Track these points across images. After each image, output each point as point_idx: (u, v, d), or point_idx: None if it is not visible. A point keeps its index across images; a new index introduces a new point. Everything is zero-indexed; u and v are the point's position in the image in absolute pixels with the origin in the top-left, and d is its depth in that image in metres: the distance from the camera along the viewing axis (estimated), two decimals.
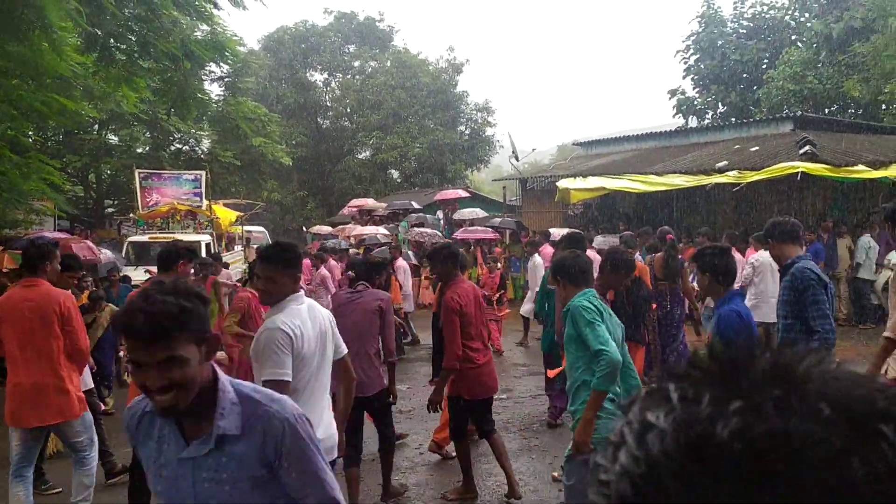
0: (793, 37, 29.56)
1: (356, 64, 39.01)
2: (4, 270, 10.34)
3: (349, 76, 38.69)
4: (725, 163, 15.34)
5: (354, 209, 25.37)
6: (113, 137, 24.79)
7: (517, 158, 25.93)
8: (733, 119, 25.80)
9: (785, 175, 13.18)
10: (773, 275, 7.76)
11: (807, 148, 13.75)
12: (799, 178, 12.96)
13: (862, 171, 12.83)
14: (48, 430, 5.23)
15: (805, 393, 0.53)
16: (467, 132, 38.32)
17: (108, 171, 25.37)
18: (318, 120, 39.03)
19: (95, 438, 5.29)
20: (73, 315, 4.99)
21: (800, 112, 20.47)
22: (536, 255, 11.98)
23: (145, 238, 16.34)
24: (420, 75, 36.48)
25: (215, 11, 11.16)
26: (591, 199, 18.18)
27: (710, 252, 4.42)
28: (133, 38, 10.26)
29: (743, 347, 0.58)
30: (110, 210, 27.51)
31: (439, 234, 20.14)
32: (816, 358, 0.57)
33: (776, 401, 0.52)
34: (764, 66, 29.26)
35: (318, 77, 39.46)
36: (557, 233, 15.69)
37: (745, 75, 30.06)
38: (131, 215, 17.56)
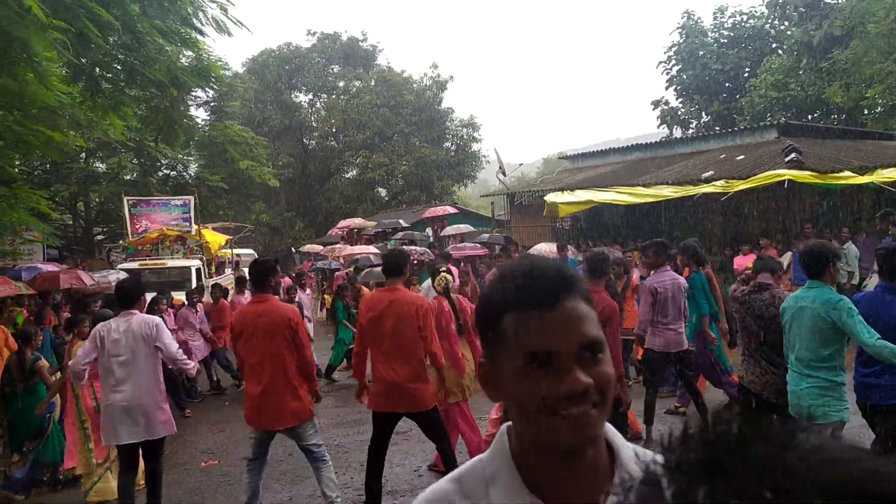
0: (773, 45, 29.91)
1: (341, 84, 39.14)
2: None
3: (334, 96, 38.80)
4: (712, 172, 15.45)
5: (343, 229, 25.34)
6: (100, 165, 24.71)
7: (504, 174, 25.99)
8: (718, 128, 26.01)
9: (772, 183, 13.28)
10: None
11: (793, 155, 13.87)
12: (786, 185, 13.06)
13: (848, 177, 12.94)
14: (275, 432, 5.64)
15: (798, 485, 0.54)
16: (453, 148, 38.46)
17: (97, 199, 25.26)
18: (305, 140, 39.08)
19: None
20: (301, 328, 5.48)
21: (783, 119, 20.65)
22: None
23: (135, 265, 16.24)
24: (404, 93, 36.63)
25: (200, 38, 11.15)
26: (580, 212, 18.26)
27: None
28: (119, 67, 10.23)
29: (736, 435, 0.60)
30: (100, 238, 27.37)
31: (428, 251, 20.14)
32: (810, 441, 0.58)
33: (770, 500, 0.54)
34: (746, 75, 29.57)
35: (303, 98, 39.60)
36: (546, 248, 15.72)
37: (727, 84, 30.36)
38: (121, 242, 17.46)
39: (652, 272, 7.29)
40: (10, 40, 7.43)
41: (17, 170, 15.45)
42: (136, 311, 5.64)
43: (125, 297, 5.67)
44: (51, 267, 13.53)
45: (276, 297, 5.86)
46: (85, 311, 9.22)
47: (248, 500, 5.56)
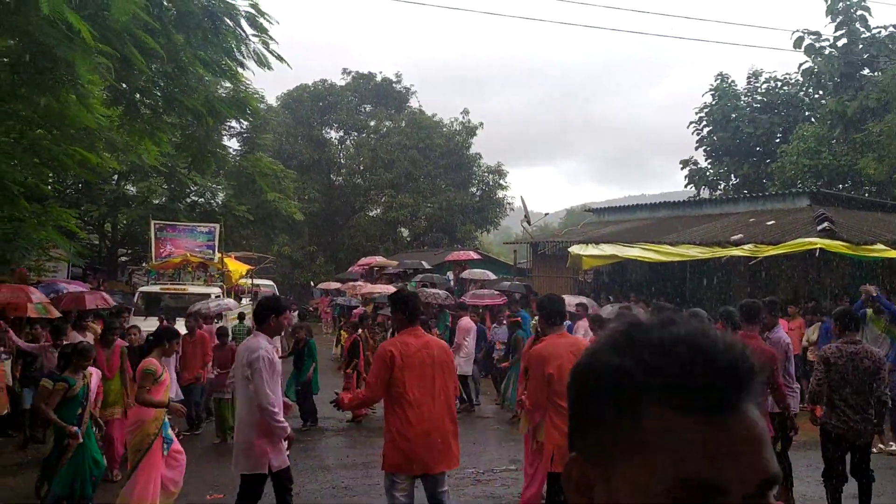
0: (806, 113, 29.86)
1: (371, 123, 39.59)
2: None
3: (364, 135, 39.23)
4: (741, 235, 15.27)
5: (363, 266, 25.36)
6: (131, 188, 25.02)
7: (529, 222, 25.97)
8: (746, 192, 25.87)
9: (802, 251, 13.08)
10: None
11: (825, 224, 13.68)
12: (818, 254, 12.86)
13: (881, 250, 12.72)
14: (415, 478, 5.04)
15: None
16: (478, 194, 38.60)
17: (124, 221, 25.52)
18: (332, 176, 39.43)
19: None
20: (453, 364, 5.30)
21: (815, 187, 20.49)
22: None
23: (157, 289, 16.28)
24: (434, 136, 36.96)
25: (240, 70, 11.30)
26: (603, 266, 18.10)
27: None
28: (159, 94, 10.37)
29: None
30: (123, 259, 27.58)
31: (450, 295, 20.04)
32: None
33: None
34: (777, 140, 29.49)
35: (333, 135, 40.07)
36: (569, 301, 15.54)
37: (757, 148, 30.28)
38: (143, 265, 17.55)
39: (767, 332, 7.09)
40: (55, 61, 7.55)
41: (49, 188, 15.67)
42: (260, 334, 5.49)
43: (255, 314, 5.65)
44: (73, 287, 13.59)
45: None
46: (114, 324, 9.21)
47: None
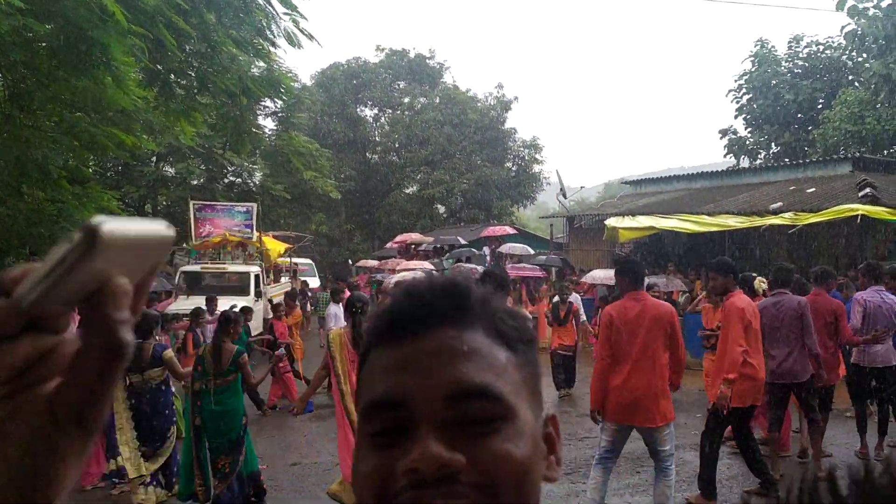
0: (850, 77, 29.01)
1: (406, 100, 39.55)
2: None
3: (398, 112, 39.23)
4: (780, 204, 15.00)
5: (399, 244, 25.50)
6: (170, 169, 25.45)
7: (565, 196, 25.79)
8: (787, 160, 25.31)
9: (844, 218, 12.81)
10: None
11: (867, 190, 13.37)
12: (859, 221, 12.58)
13: None
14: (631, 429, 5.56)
15: None
16: (514, 169, 38.40)
17: (164, 202, 26.00)
18: (367, 154, 39.55)
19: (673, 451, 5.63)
20: (678, 328, 5.51)
21: (858, 153, 19.96)
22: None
23: (197, 268, 16.60)
24: (469, 112, 36.79)
25: (272, 49, 11.39)
26: (640, 238, 17.93)
27: None
28: (192, 74, 10.51)
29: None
30: None
31: (484, 268, 20.06)
32: None
33: None
34: (819, 107, 28.74)
35: (368, 112, 40.12)
36: (602, 274, 15.43)
37: (799, 115, 29.54)
38: (184, 245, 17.88)
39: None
40: (91, 44, 7.69)
41: (90, 170, 16.03)
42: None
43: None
44: None
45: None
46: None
47: (596, 499, 5.50)
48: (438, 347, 0.68)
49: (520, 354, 0.72)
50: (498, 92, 38.72)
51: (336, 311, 10.91)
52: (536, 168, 38.46)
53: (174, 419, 6.61)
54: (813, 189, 16.09)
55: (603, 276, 15.19)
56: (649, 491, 6.31)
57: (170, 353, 6.46)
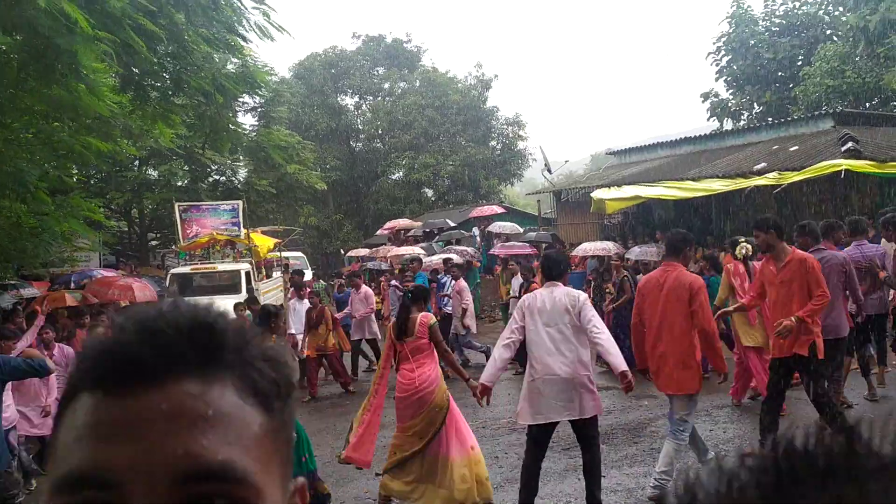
0: (828, 31, 28.98)
1: (386, 86, 39.35)
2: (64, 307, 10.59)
3: (379, 98, 39.03)
4: (764, 164, 15.03)
5: (389, 230, 25.49)
6: (153, 172, 25.33)
7: (550, 171, 25.80)
8: (770, 119, 25.34)
9: (828, 174, 12.85)
10: None
11: (849, 144, 13.40)
12: (843, 176, 12.62)
13: None
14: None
15: None
16: (499, 147, 38.32)
17: (150, 206, 25.90)
18: (351, 143, 39.40)
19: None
20: (702, 297, 5.50)
21: (839, 108, 19.99)
22: None
23: (187, 269, 16.56)
24: (449, 93, 36.64)
25: (244, 44, 11.30)
26: (628, 208, 17.96)
27: None
28: (166, 76, 10.44)
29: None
30: (154, 243, 28.05)
31: (475, 249, 20.10)
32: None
33: None
34: (799, 63, 28.72)
35: (349, 101, 39.91)
36: (591, 247, 15.43)
37: (779, 74, 29.53)
38: (173, 247, 17.83)
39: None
40: (58, 52, 7.62)
41: (74, 179, 15.94)
42: (559, 284, 5.44)
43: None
44: (105, 272, 13.87)
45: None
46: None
47: (700, 458, 5.72)
48: (173, 408, 0.54)
49: (276, 415, 0.59)
50: (477, 71, 38.56)
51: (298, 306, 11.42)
52: (521, 145, 38.40)
53: None
54: (796, 147, 16.11)
55: (592, 248, 15.19)
56: (647, 461, 6.37)
57: None
